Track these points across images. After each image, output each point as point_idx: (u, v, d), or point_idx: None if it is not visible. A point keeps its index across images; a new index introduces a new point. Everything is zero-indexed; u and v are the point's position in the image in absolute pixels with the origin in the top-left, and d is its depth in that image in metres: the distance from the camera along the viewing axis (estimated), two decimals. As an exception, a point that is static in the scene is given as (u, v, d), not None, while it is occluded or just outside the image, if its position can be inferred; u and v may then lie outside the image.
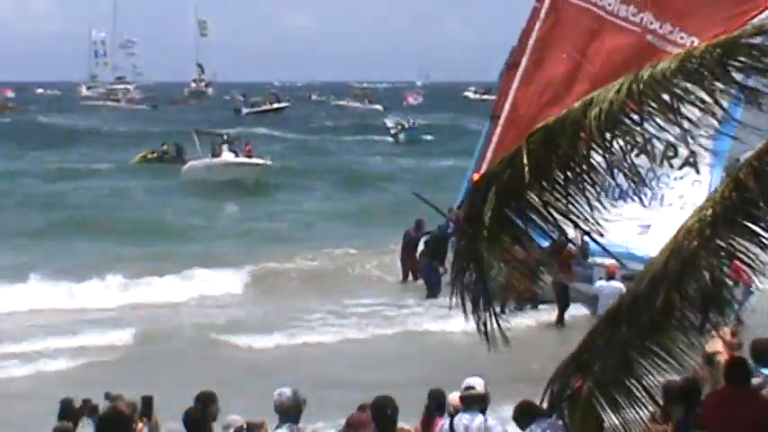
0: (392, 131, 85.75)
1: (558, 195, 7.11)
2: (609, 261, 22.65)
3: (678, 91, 6.94)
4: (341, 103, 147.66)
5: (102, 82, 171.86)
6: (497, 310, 7.27)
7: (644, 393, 7.07)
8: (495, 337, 7.24)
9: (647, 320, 6.92)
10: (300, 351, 21.80)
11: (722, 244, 6.85)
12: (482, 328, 7.25)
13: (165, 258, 31.29)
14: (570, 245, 22.14)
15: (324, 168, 61.30)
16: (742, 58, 6.92)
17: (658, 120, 7.00)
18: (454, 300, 7.29)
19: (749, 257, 6.94)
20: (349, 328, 23.74)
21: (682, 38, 23.19)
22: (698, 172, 24.25)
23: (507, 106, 25.48)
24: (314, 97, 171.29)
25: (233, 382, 18.49)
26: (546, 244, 7.62)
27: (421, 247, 27.82)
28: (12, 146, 74.51)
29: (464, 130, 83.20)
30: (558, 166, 7.08)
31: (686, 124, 6.96)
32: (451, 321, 23.04)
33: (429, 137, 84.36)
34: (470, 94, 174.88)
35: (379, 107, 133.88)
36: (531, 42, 25.25)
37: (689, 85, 6.96)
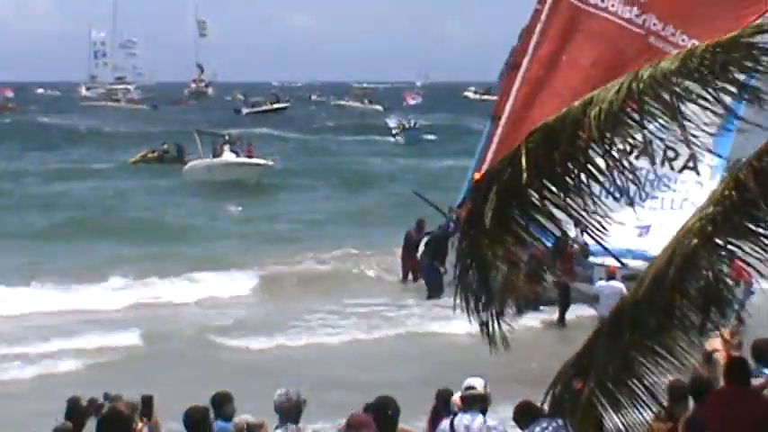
0: (393, 132, 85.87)
1: (557, 194, 7.11)
2: (609, 261, 22.68)
3: (679, 90, 6.94)
4: (341, 102, 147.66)
5: (101, 82, 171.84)
6: (500, 310, 7.26)
7: (645, 393, 7.06)
8: (496, 337, 7.24)
9: (649, 320, 6.91)
10: (301, 351, 21.80)
11: (722, 243, 6.85)
12: (484, 328, 7.24)
13: (166, 259, 31.30)
14: (573, 244, 22.17)
15: (325, 168, 61.30)
16: (742, 58, 6.91)
17: (659, 119, 6.99)
18: (457, 300, 7.29)
19: (749, 257, 6.94)
20: (349, 328, 23.74)
21: (683, 40, 23.18)
22: (698, 174, 24.27)
23: (508, 107, 25.48)
24: (314, 97, 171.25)
25: (233, 382, 18.44)
26: (548, 244, 7.62)
27: (422, 247, 27.83)
28: (12, 146, 74.50)
29: (465, 130, 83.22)
30: (557, 165, 7.08)
31: (687, 124, 6.95)
32: (452, 322, 23.03)
33: (430, 137, 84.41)
34: (470, 94, 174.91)
35: (378, 107, 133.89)
36: (532, 44, 25.25)
37: (690, 84, 6.95)
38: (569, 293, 23.94)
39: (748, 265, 7.00)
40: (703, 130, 7.00)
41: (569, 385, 7.14)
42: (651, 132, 7.04)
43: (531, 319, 23.09)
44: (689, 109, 6.96)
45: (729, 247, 6.87)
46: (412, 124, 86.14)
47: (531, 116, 23.23)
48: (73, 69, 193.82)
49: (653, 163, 23.20)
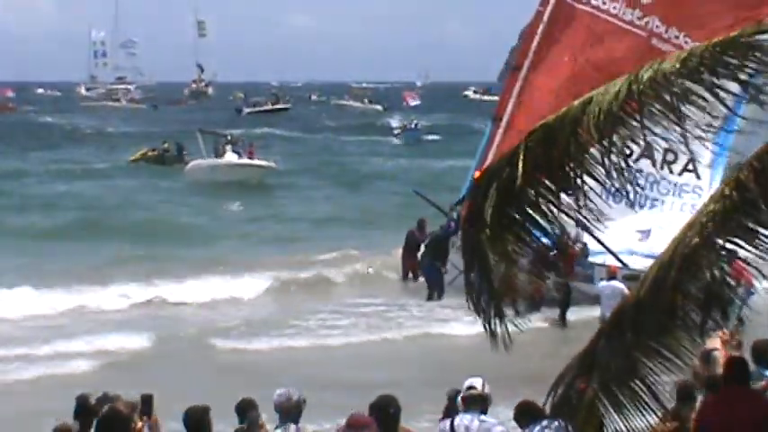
0: (395, 132, 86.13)
1: (556, 193, 7.10)
2: (610, 261, 22.69)
3: (679, 90, 6.93)
4: (341, 102, 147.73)
5: (102, 82, 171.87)
6: (503, 309, 7.26)
7: (648, 394, 7.04)
8: (499, 336, 7.23)
9: (651, 321, 6.90)
10: (301, 352, 21.81)
11: (723, 243, 6.85)
12: (487, 326, 7.23)
13: (168, 260, 31.32)
14: (575, 244, 22.17)
15: (326, 169, 61.34)
16: (742, 58, 6.90)
17: (659, 119, 6.98)
18: (462, 300, 7.29)
19: (750, 257, 6.93)
20: (350, 329, 23.73)
21: (686, 42, 23.19)
22: (698, 177, 24.26)
23: (509, 108, 25.50)
24: (314, 97, 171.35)
25: (234, 382, 18.49)
26: (547, 242, 7.60)
27: (422, 247, 27.84)
28: (13, 146, 74.45)
29: (465, 130, 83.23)
30: (556, 164, 7.07)
31: (687, 124, 6.94)
32: (452, 323, 23.11)
33: (432, 137, 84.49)
34: (470, 94, 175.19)
35: (378, 107, 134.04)
36: (533, 45, 25.26)
37: (690, 84, 6.94)
38: (570, 293, 23.96)
39: (749, 264, 6.99)
40: (703, 131, 6.99)
41: (572, 386, 7.12)
42: (651, 132, 7.03)
43: (532, 320, 23.09)
44: (689, 109, 6.95)
45: (730, 246, 6.87)
46: (413, 125, 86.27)
47: (531, 117, 23.23)
48: (73, 69, 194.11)
49: (653, 165, 23.22)
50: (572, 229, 7.51)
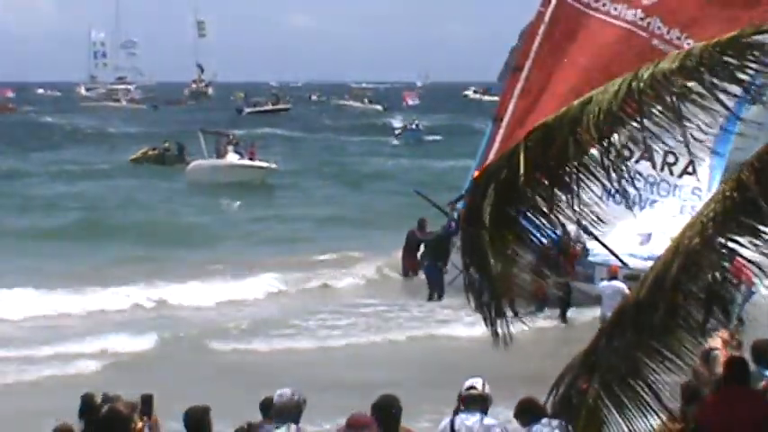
0: (397, 132, 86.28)
1: (555, 193, 7.09)
2: (610, 261, 22.67)
3: (678, 90, 6.91)
4: (341, 102, 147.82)
5: (101, 83, 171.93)
6: (502, 308, 7.25)
7: (650, 395, 7.02)
8: (501, 334, 7.22)
9: (654, 321, 6.89)
10: (302, 352, 21.81)
11: (724, 242, 6.84)
12: (488, 324, 7.22)
13: (170, 261, 31.36)
14: (576, 244, 22.18)
15: (327, 169, 61.37)
16: (742, 58, 6.89)
17: (658, 120, 6.97)
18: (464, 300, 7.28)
19: (751, 256, 6.93)
20: (350, 329, 23.73)
21: (689, 44, 23.15)
22: (698, 180, 24.24)
23: (510, 109, 25.49)
24: (314, 97, 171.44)
25: (235, 383, 18.51)
26: (545, 242, 7.59)
27: (422, 247, 27.87)
28: (13, 147, 74.44)
29: (467, 130, 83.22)
30: (555, 164, 7.05)
31: (687, 125, 6.93)
32: (453, 323, 23.12)
33: (433, 137, 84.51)
34: (470, 94, 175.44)
35: (378, 107, 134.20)
36: (534, 46, 25.23)
37: (690, 83, 6.93)
38: (570, 292, 23.98)
39: (751, 263, 6.98)
40: (703, 131, 6.98)
41: (573, 386, 7.10)
42: (650, 132, 7.01)
43: (534, 320, 23.12)
44: (689, 110, 6.93)
45: (731, 245, 6.86)
46: (414, 125, 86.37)
47: (532, 118, 23.21)
48: (73, 70, 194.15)
49: (653, 167, 23.20)
50: (572, 228, 7.50)
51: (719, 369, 11.08)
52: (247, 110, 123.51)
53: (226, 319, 24.64)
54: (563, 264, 23.02)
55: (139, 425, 11.28)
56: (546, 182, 7.08)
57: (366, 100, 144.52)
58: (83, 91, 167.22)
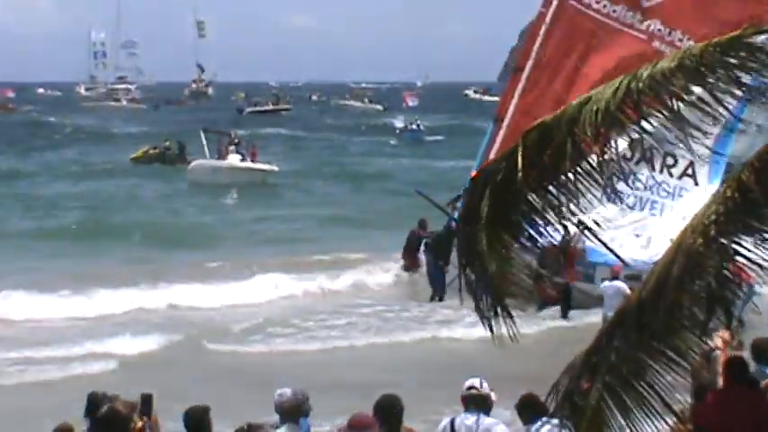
0: (398, 132, 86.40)
1: (552, 193, 7.08)
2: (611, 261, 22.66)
3: (678, 91, 6.90)
4: (342, 102, 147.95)
5: (102, 82, 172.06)
6: (498, 308, 7.24)
7: (655, 396, 6.99)
8: (501, 334, 7.20)
9: (657, 323, 6.86)
10: (302, 353, 21.81)
11: (726, 243, 6.82)
12: (485, 324, 7.21)
13: (170, 262, 31.34)
14: (576, 244, 22.18)
15: (328, 169, 61.36)
16: (742, 58, 6.88)
17: (657, 120, 6.96)
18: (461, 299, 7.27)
19: (752, 257, 6.91)
20: (351, 330, 23.72)
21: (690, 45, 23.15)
22: (696, 184, 24.22)
23: (511, 109, 25.49)
24: (314, 97, 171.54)
25: (235, 384, 18.52)
26: (543, 243, 7.57)
27: (422, 247, 27.89)
28: (14, 147, 74.43)
29: (468, 130, 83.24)
30: (553, 164, 7.04)
31: (686, 125, 6.92)
32: (454, 324, 23.09)
33: (434, 137, 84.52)
34: (471, 93, 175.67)
35: (378, 107, 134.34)
36: (535, 47, 25.23)
37: (689, 84, 6.91)
38: (570, 291, 24.00)
39: (752, 263, 6.96)
40: (703, 132, 6.97)
41: (575, 386, 7.06)
42: (648, 133, 7.00)
43: (532, 320, 23.09)
44: (688, 110, 6.92)
45: (733, 246, 6.84)
46: (415, 126, 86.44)
47: (533, 119, 23.21)
48: (73, 70, 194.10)
49: (652, 169, 23.20)
50: (572, 228, 7.48)
51: (720, 369, 11.09)
52: (248, 110, 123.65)
53: (226, 320, 24.64)
54: (563, 264, 23.04)
55: (139, 424, 11.26)
56: (543, 182, 7.07)
57: (366, 100, 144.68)
58: (83, 91, 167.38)
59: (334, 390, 17.12)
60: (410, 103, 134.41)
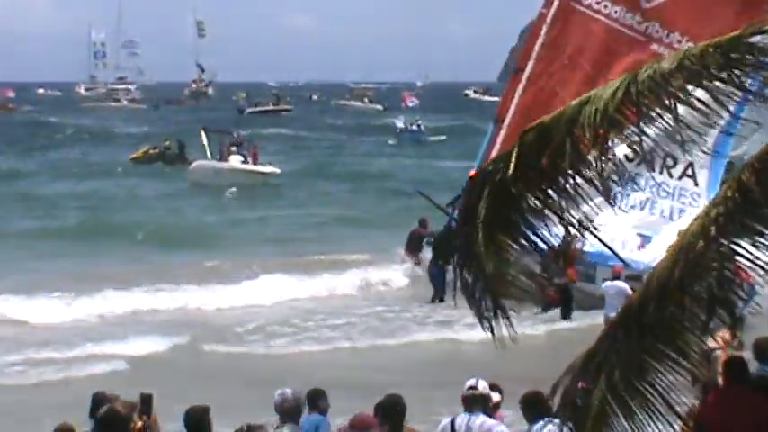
0: (398, 132, 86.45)
1: (549, 194, 7.07)
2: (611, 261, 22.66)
3: (676, 91, 6.89)
4: (342, 102, 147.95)
5: (102, 82, 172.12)
6: (497, 309, 7.23)
7: (656, 395, 6.98)
8: (502, 335, 7.19)
9: (658, 323, 6.86)
10: (303, 354, 21.80)
11: (727, 244, 6.82)
12: (483, 325, 7.20)
13: (170, 262, 31.33)
14: (576, 245, 22.19)
15: (328, 169, 61.34)
16: (742, 58, 6.87)
17: (656, 121, 6.95)
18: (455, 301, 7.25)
19: (753, 257, 6.91)
20: (352, 331, 23.72)
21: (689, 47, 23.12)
22: (696, 184, 24.21)
23: (512, 110, 25.47)
24: (314, 97, 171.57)
25: (236, 384, 18.51)
26: (542, 243, 7.56)
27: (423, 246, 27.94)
28: (15, 147, 74.41)
29: (470, 130, 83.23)
30: (551, 165, 7.03)
31: (685, 126, 6.91)
32: (454, 324, 23.10)
33: (435, 138, 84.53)
34: (471, 93, 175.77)
35: (379, 107, 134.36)
36: (536, 47, 25.22)
37: (687, 84, 6.91)
38: (570, 292, 24.00)
39: (754, 263, 6.96)
40: (702, 132, 6.96)
41: (576, 387, 7.05)
42: (647, 135, 6.98)
43: (531, 320, 23.10)
44: (687, 111, 6.92)
45: (733, 246, 6.84)
46: (416, 126, 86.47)
47: (533, 119, 23.18)
48: (73, 70, 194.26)
49: (652, 170, 23.18)
50: (572, 229, 7.47)
51: (720, 369, 11.09)
52: (249, 110, 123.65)
53: (227, 320, 24.65)
54: (563, 264, 23.03)
55: (139, 424, 11.26)
56: (542, 182, 7.06)
57: (366, 100, 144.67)
58: (83, 91, 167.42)
59: (335, 390, 17.04)
60: (410, 104, 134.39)
